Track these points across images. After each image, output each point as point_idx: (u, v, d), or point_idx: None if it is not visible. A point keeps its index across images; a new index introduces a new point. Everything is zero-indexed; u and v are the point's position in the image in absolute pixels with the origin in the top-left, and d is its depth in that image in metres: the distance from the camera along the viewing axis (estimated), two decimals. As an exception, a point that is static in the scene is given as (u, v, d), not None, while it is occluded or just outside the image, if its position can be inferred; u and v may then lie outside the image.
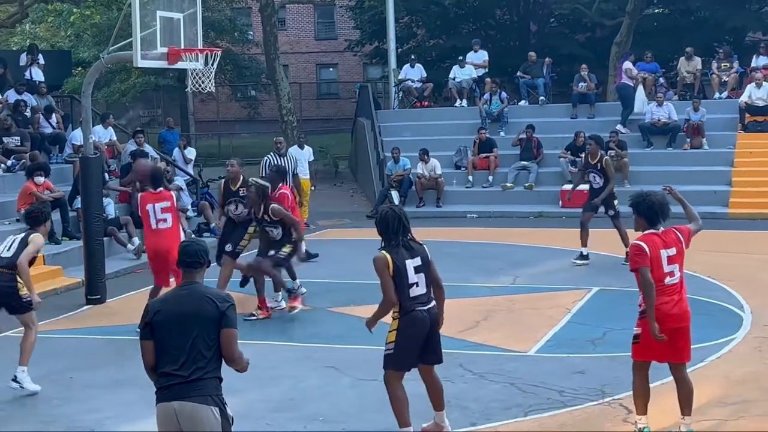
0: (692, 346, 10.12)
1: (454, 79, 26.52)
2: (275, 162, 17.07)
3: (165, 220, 11.53)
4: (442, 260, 12.63)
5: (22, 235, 9.56)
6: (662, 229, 7.33)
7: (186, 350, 5.38)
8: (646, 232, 7.33)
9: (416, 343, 7.25)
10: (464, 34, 34.89)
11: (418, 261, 7.24)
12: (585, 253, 15.18)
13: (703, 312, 11.35)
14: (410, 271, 7.18)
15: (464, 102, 26.16)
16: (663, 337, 7.10)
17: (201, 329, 5.41)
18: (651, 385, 8.84)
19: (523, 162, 22.95)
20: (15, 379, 9.21)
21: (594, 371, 9.35)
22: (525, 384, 8.98)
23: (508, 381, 9.11)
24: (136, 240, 16.53)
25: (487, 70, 26.66)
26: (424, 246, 7.42)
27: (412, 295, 7.20)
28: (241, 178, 12.68)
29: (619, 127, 23.26)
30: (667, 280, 7.24)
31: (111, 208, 16.92)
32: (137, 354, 5.59)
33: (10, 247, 9.42)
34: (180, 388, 5.36)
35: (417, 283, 7.22)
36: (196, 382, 5.36)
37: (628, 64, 24.16)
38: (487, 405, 8.44)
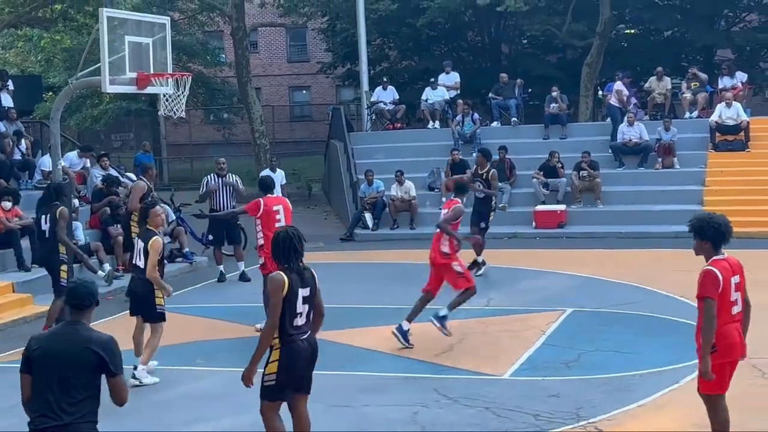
0: (668, 367, 10.19)
1: (426, 100, 26.57)
2: (213, 182, 16.76)
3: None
4: (415, 283, 12.64)
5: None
6: (726, 254, 6.95)
7: (58, 394, 5.39)
8: (714, 257, 6.89)
9: (298, 374, 6.97)
10: (436, 55, 35.04)
11: (307, 291, 6.95)
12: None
13: (677, 332, 11.37)
14: (299, 300, 6.90)
15: (437, 124, 26.19)
16: (713, 376, 6.75)
17: (76, 375, 5.41)
18: (629, 407, 8.85)
19: (496, 183, 22.93)
20: (133, 376, 9.73)
21: (569, 394, 9.30)
22: (500, 408, 8.92)
23: (483, 405, 9.04)
24: (107, 266, 16.34)
25: (459, 91, 26.72)
26: (314, 274, 7.10)
27: (295, 324, 6.90)
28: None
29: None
30: (734, 309, 6.92)
31: (80, 233, 16.65)
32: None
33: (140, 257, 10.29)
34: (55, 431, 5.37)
35: (301, 314, 6.93)
36: (71, 425, 5.38)
37: (619, 86, 24.22)
38: (462, 430, 8.36)
